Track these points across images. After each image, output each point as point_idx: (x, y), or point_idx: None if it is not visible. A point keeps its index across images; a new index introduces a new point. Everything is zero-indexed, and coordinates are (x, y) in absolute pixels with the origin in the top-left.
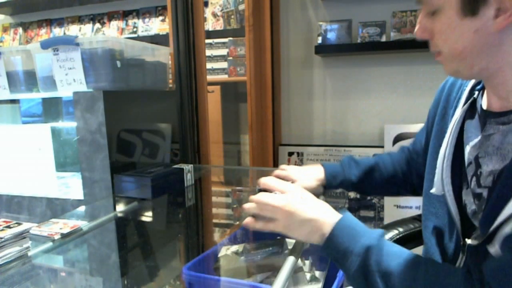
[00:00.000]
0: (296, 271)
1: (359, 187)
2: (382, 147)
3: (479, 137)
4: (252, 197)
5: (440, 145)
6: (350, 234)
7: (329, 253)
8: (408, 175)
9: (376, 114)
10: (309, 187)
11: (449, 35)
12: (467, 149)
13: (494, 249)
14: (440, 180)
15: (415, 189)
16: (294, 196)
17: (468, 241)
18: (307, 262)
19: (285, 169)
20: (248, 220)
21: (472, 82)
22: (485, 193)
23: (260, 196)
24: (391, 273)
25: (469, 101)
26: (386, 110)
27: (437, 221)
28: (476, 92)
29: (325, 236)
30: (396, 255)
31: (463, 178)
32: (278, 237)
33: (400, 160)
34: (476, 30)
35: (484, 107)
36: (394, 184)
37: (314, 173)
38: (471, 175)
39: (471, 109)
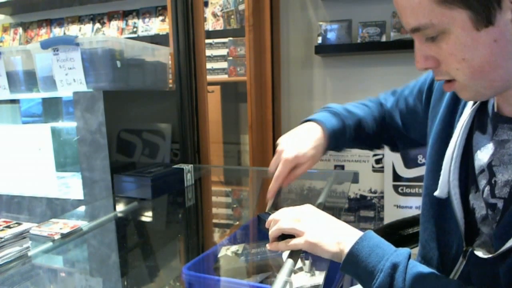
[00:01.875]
0: (296, 271)
1: (353, 143)
2: (382, 147)
3: (491, 143)
4: (272, 222)
5: (445, 144)
6: (375, 252)
7: (351, 269)
8: (379, 132)
9: None
10: (314, 162)
11: (465, 55)
12: (478, 154)
13: None
14: (446, 182)
15: (381, 146)
16: (310, 224)
17: (479, 253)
18: (307, 262)
19: (279, 146)
20: (271, 246)
21: None
22: (500, 204)
23: (279, 224)
24: None
25: (479, 102)
26: None
27: (438, 224)
28: None
29: (346, 253)
30: (423, 276)
31: (470, 181)
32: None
33: (379, 116)
34: (495, 40)
35: (495, 108)
36: (376, 139)
37: (312, 141)
38: (484, 183)
39: (481, 109)
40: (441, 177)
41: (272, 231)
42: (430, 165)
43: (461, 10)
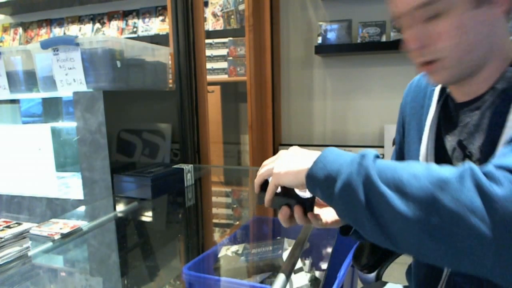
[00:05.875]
0: (296, 271)
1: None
2: (382, 147)
3: (457, 127)
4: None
5: (420, 144)
6: (340, 155)
7: (315, 180)
8: None
9: (376, 114)
10: None
11: (462, 31)
12: (447, 137)
13: None
14: None
15: None
16: (280, 160)
17: None
18: (307, 262)
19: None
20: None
21: None
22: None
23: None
24: (388, 169)
25: (443, 97)
26: (386, 110)
27: None
28: (448, 89)
29: (307, 169)
30: (394, 163)
31: None
32: (278, 237)
33: None
34: (485, 19)
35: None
36: None
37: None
38: (461, 159)
39: (445, 105)
40: None
41: (256, 180)
42: None
43: None
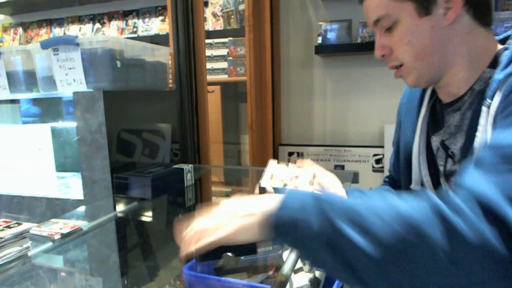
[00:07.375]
0: (296, 271)
1: None
2: (382, 147)
3: (443, 128)
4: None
5: (412, 142)
6: (300, 200)
7: (280, 231)
8: None
9: (376, 114)
10: None
11: (410, 38)
12: (432, 138)
13: None
14: (417, 173)
15: None
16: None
17: None
18: (307, 262)
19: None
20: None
21: None
22: (459, 168)
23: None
24: (348, 209)
25: (433, 99)
26: (386, 110)
27: None
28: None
29: (268, 220)
30: (350, 201)
31: (437, 167)
32: None
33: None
34: (432, 26)
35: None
36: None
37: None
38: (444, 159)
39: (434, 106)
40: (413, 170)
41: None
42: (404, 164)
43: (408, 2)
